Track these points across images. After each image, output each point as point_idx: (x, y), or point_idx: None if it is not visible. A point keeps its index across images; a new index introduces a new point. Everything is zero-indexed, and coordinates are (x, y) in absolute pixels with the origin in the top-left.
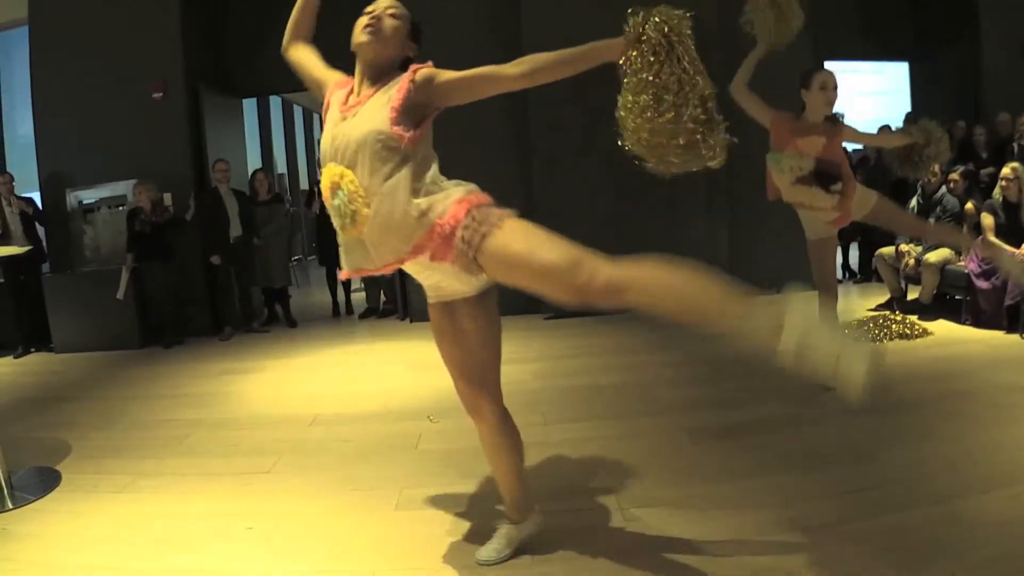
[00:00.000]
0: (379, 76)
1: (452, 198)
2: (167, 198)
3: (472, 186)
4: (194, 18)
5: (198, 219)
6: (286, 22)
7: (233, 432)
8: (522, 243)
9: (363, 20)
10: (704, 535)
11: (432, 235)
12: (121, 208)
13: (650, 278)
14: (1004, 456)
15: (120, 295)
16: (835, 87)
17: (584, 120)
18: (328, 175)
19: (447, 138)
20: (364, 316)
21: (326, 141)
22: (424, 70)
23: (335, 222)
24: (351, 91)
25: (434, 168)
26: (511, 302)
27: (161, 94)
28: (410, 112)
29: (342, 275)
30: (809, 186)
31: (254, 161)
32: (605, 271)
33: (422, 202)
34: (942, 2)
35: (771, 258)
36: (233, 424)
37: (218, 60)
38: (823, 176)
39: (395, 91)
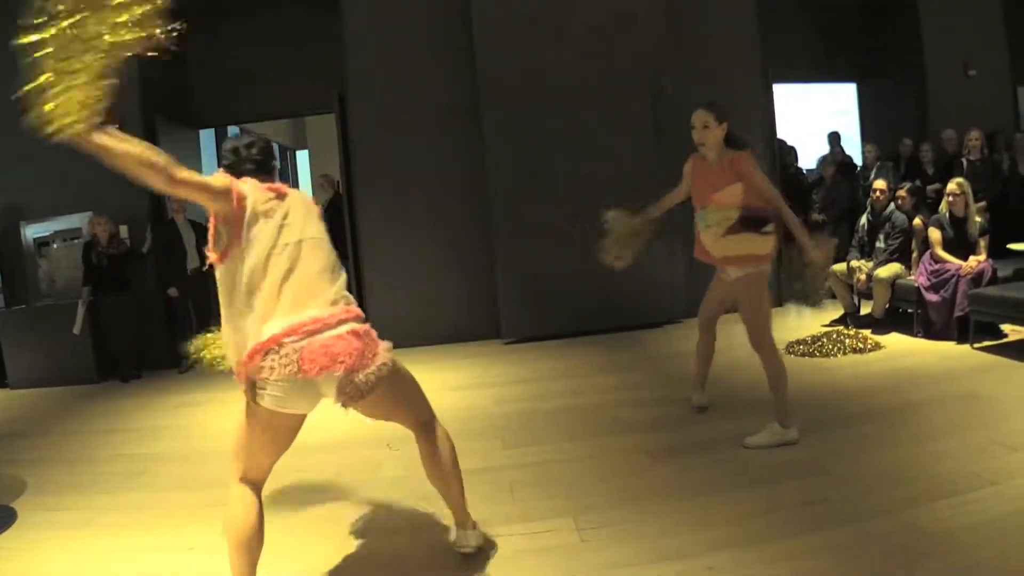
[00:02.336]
0: None
1: None
2: (123, 230)
3: None
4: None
5: (155, 251)
6: (245, 52)
7: (191, 465)
8: None
9: None
10: (660, 553)
11: None
12: (76, 241)
13: None
14: (953, 465)
15: (76, 329)
16: (697, 126)
17: (540, 148)
18: None
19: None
20: None
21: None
22: None
23: None
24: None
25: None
26: (474, 326)
27: (117, 125)
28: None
29: None
30: (738, 234)
31: None
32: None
33: None
34: (889, 26)
35: None
36: (191, 457)
37: (175, 91)
38: (750, 221)
39: None
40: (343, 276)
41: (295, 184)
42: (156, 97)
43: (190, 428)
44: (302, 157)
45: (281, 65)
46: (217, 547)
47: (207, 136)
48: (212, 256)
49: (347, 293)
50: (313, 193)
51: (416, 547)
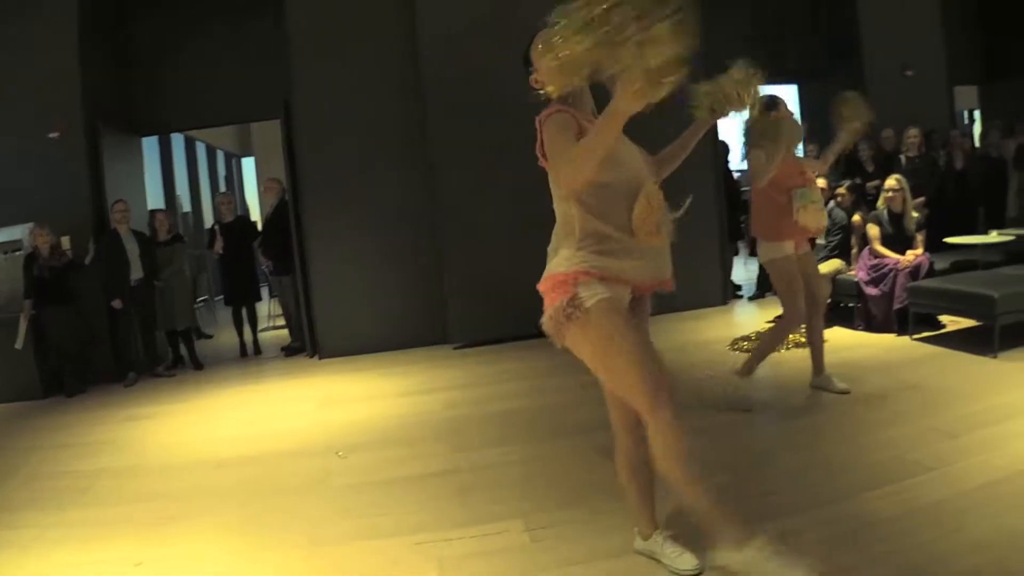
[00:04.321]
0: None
1: None
2: (65, 241)
3: None
4: (93, 53)
5: (98, 262)
6: (189, 58)
7: (138, 479)
8: None
9: None
10: (610, 551)
11: None
12: (17, 253)
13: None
14: (893, 454)
15: (19, 344)
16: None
17: (487, 153)
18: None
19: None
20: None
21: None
22: None
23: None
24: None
25: None
26: (421, 334)
27: (58, 133)
28: None
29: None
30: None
31: (156, 201)
32: None
33: None
34: (828, 27)
35: (679, 279)
36: (138, 471)
37: (118, 98)
38: None
39: None
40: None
41: (241, 190)
42: (98, 103)
43: (135, 442)
44: (248, 164)
45: (226, 71)
46: (165, 560)
47: (150, 143)
48: None
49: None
50: (259, 198)
51: (367, 553)
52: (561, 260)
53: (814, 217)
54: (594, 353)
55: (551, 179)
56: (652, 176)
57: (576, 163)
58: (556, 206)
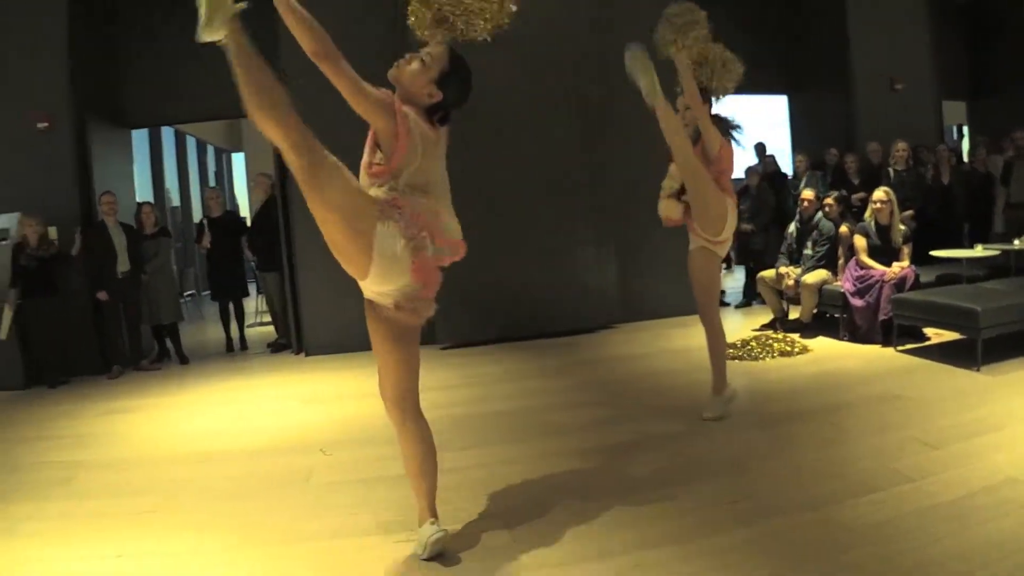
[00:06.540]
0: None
1: None
2: (52, 232)
3: None
4: (83, 45)
5: (84, 253)
6: (179, 52)
7: (119, 473)
8: None
9: None
10: (589, 553)
11: None
12: (4, 243)
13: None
14: (875, 462)
15: (3, 334)
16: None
17: (470, 155)
18: None
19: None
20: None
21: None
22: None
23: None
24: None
25: None
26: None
27: (46, 124)
28: None
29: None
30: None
31: (144, 194)
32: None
33: None
34: (817, 41)
35: (660, 286)
36: (119, 464)
37: (108, 89)
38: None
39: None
40: None
41: (230, 186)
42: (88, 96)
43: (118, 435)
44: (238, 159)
45: (216, 66)
46: (146, 555)
47: (140, 136)
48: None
49: None
50: (248, 193)
51: (347, 551)
52: None
53: (663, 206)
54: None
55: None
56: None
57: None
58: None
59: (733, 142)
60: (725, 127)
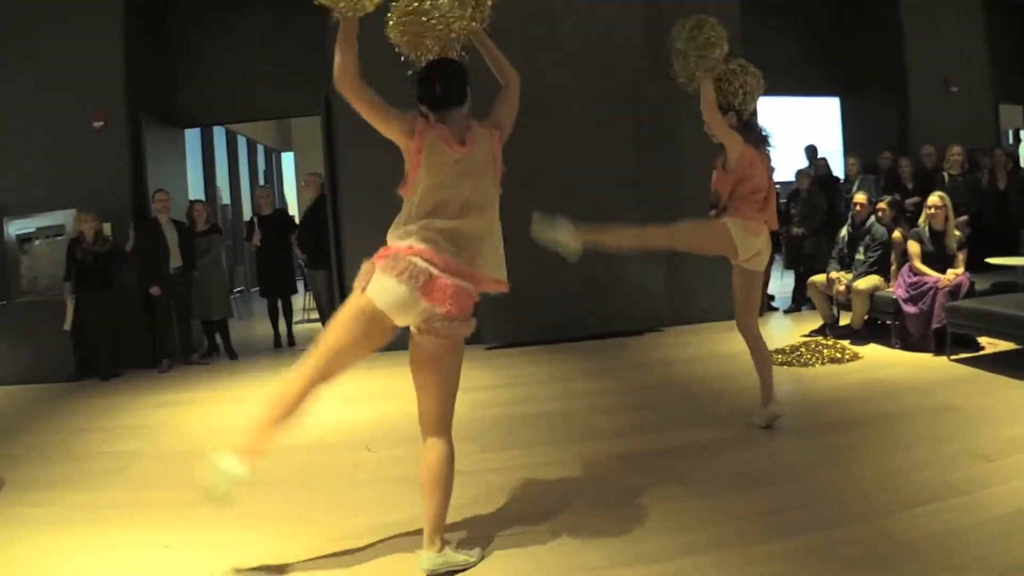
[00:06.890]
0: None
1: None
2: (106, 228)
3: None
4: (137, 46)
5: (137, 249)
6: (232, 52)
7: (169, 464)
8: None
9: None
10: (631, 557)
11: None
12: (60, 238)
13: None
14: (928, 474)
15: (67, 325)
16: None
17: (524, 156)
18: None
19: None
20: None
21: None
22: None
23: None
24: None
25: None
26: None
27: (102, 123)
28: None
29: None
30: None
31: (196, 192)
32: None
33: None
34: (871, 42)
35: (709, 289)
36: (169, 456)
37: (161, 89)
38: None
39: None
40: None
41: (280, 185)
42: (142, 95)
43: (168, 428)
44: (287, 159)
45: (268, 67)
46: (193, 546)
47: (192, 136)
48: None
49: None
50: (298, 192)
51: (389, 548)
52: None
53: None
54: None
55: None
56: None
57: None
58: None
59: (765, 151)
60: (756, 137)
